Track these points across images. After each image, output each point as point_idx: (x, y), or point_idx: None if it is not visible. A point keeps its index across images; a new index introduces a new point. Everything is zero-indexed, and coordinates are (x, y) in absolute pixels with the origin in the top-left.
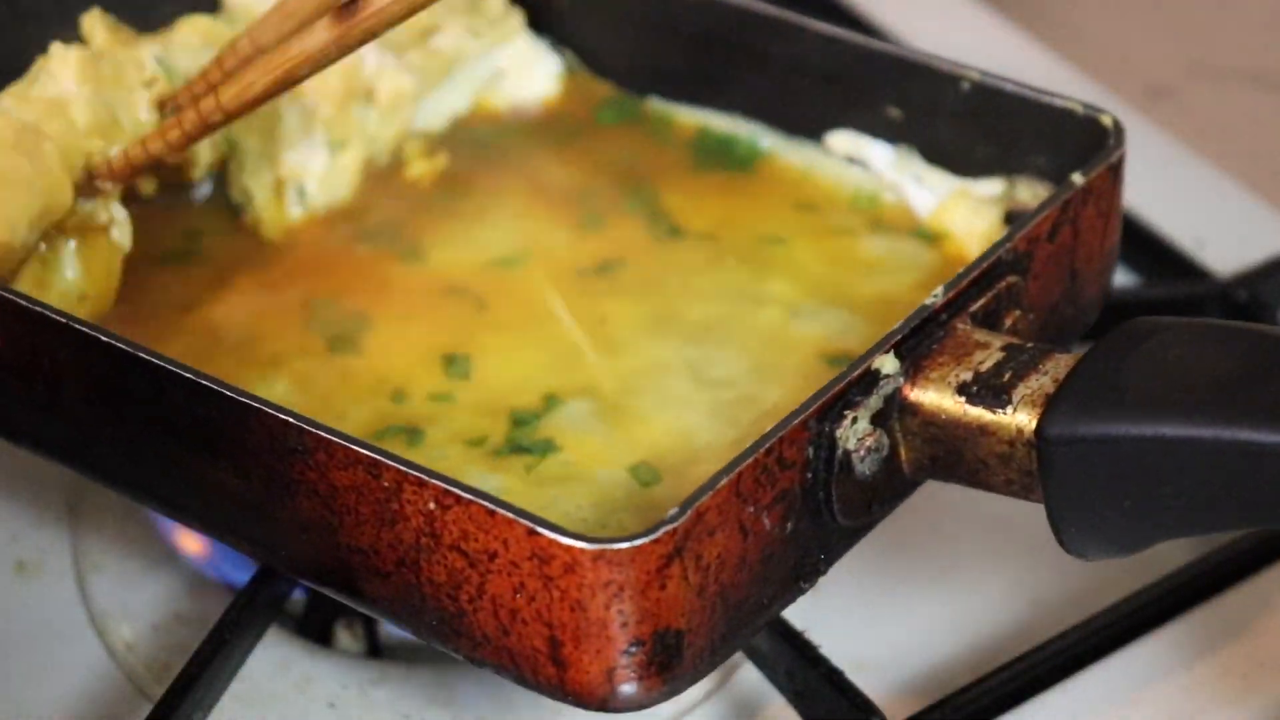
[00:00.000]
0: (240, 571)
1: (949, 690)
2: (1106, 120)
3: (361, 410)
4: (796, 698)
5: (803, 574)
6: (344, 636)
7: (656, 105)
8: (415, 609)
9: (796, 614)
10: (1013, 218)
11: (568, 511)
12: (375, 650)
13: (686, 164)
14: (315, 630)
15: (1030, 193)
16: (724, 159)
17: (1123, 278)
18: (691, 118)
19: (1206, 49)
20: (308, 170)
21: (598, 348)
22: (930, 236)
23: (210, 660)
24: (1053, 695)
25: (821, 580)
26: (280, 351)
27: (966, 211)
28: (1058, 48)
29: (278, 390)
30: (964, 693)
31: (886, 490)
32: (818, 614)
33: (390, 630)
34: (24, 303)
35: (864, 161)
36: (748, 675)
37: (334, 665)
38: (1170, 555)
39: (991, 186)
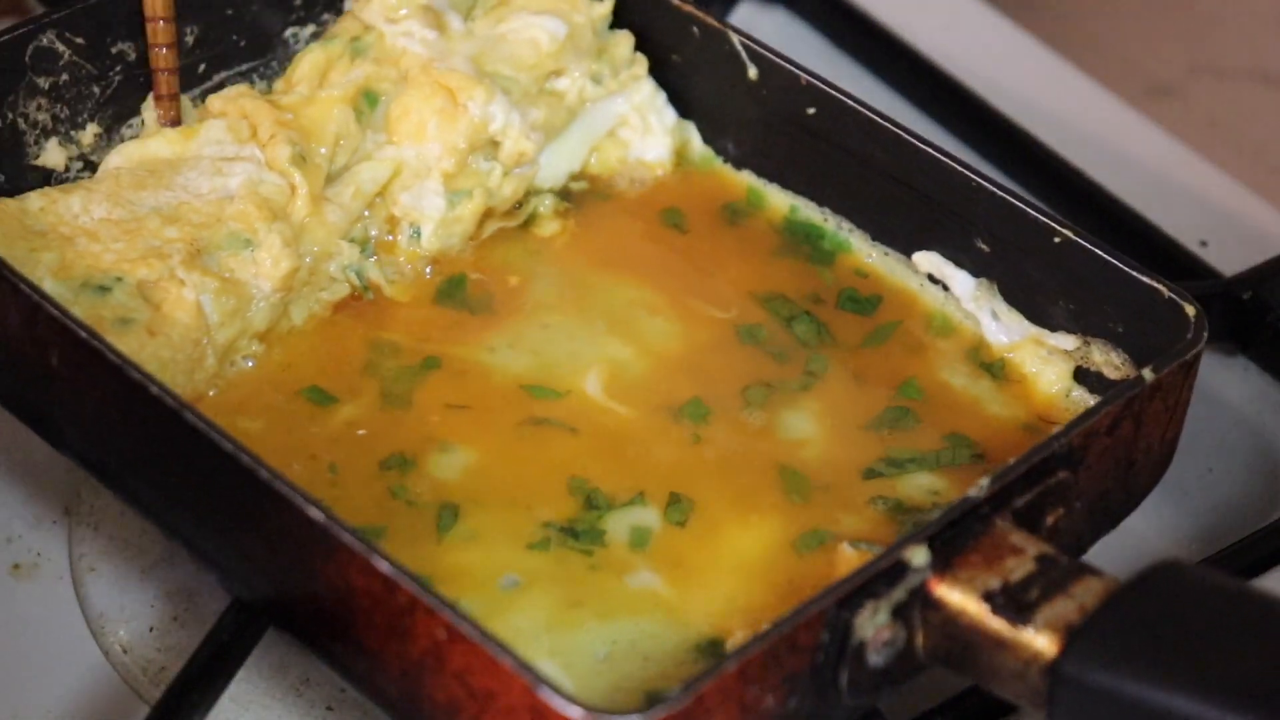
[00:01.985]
0: None
1: (949, 692)
2: (1189, 310)
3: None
4: None
5: None
6: None
7: (753, 180)
8: (416, 717)
9: None
10: (1083, 374)
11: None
12: None
13: (770, 245)
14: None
15: (1103, 357)
16: (808, 247)
17: None
18: (783, 199)
19: (1207, 48)
20: (424, 214)
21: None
22: (998, 372)
23: (207, 663)
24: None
25: None
26: (336, 392)
27: (1037, 359)
28: (1058, 48)
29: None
30: (965, 694)
31: (898, 673)
32: None
33: None
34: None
35: (944, 283)
36: None
37: None
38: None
39: (1066, 341)
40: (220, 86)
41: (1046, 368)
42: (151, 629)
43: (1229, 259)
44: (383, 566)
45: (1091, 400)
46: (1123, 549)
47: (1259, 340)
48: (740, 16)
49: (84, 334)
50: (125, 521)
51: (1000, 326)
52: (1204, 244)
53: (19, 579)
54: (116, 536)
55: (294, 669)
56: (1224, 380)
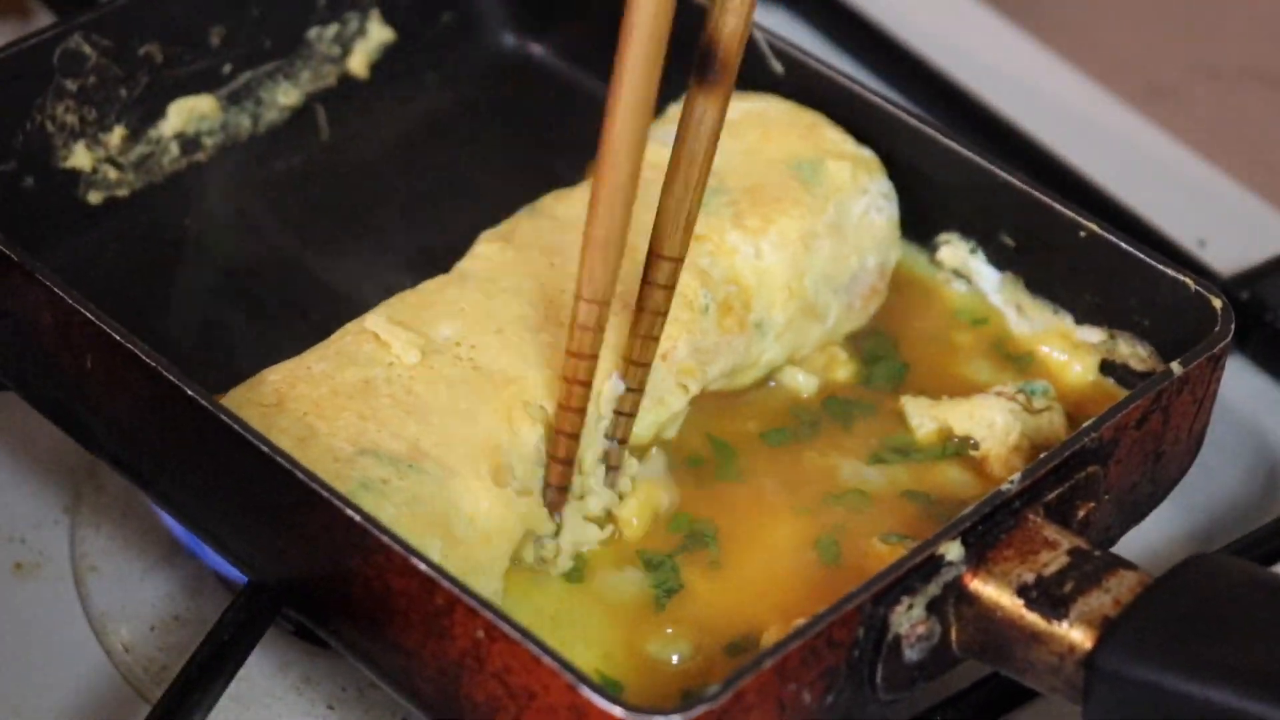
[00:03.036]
0: (239, 573)
1: (950, 691)
2: (1216, 303)
3: None
4: None
5: None
6: None
7: None
8: (452, 715)
9: None
10: (1109, 367)
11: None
12: None
13: None
14: (314, 632)
15: (1130, 350)
16: None
17: None
18: None
19: (1206, 49)
20: None
21: None
22: (1025, 365)
23: (209, 662)
24: (1054, 697)
25: None
26: None
27: (1063, 352)
28: (1058, 48)
29: None
30: (965, 694)
31: (932, 667)
32: None
33: None
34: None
35: (969, 278)
36: None
37: (333, 666)
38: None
39: (1092, 334)
40: (246, 87)
41: (1074, 361)
42: (153, 628)
43: (1228, 259)
44: (422, 567)
45: (1122, 393)
46: (1123, 548)
47: (1257, 340)
48: None
49: (118, 336)
50: (127, 521)
51: (1025, 320)
52: (1202, 244)
53: (21, 578)
54: (118, 536)
55: (295, 668)
56: (1223, 380)
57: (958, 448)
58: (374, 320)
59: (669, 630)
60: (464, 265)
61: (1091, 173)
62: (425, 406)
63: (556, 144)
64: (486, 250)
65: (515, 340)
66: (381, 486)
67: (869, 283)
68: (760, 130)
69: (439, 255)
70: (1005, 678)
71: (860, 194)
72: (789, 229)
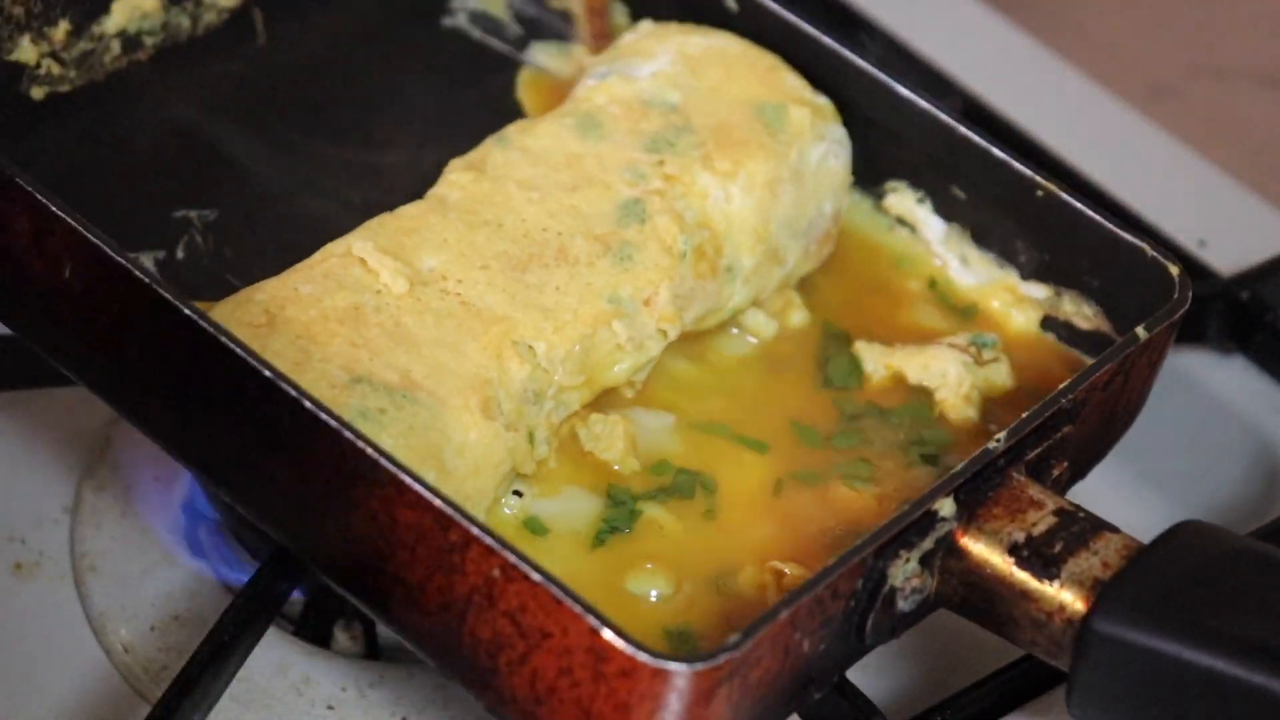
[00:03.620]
0: (239, 573)
1: (950, 691)
2: (1173, 270)
3: None
4: None
5: (818, 684)
6: (342, 638)
7: None
8: (446, 650)
9: None
10: (1049, 322)
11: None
12: (374, 652)
13: None
14: (314, 632)
15: (1074, 308)
16: None
17: None
18: None
19: (1207, 49)
20: None
21: None
22: (968, 311)
23: (209, 662)
24: (1054, 697)
25: None
26: None
27: (1005, 304)
28: (1058, 48)
29: None
30: (965, 694)
31: (913, 617)
32: None
33: (389, 632)
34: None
35: (914, 227)
36: None
37: (333, 667)
38: None
39: (1037, 290)
40: None
41: (1016, 313)
42: (153, 628)
43: (1228, 259)
44: (436, 502)
45: (1062, 348)
46: None
47: (1258, 340)
48: None
49: (106, 248)
50: (127, 521)
51: (969, 271)
52: (1203, 244)
53: (21, 578)
54: (118, 536)
55: (295, 668)
56: (1223, 380)
57: (916, 397)
58: (360, 246)
59: (648, 566)
60: (440, 192)
61: (1091, 173)
62: (414, 338)
63: (490, 56)
64: (460, 178)
65: (501, 279)
66: (379, 416)
67: (824, 228)
68: (722, 68)
69: (381, 170)
70: (1005, 678)
71: (819, 140)
72: (756, 173)
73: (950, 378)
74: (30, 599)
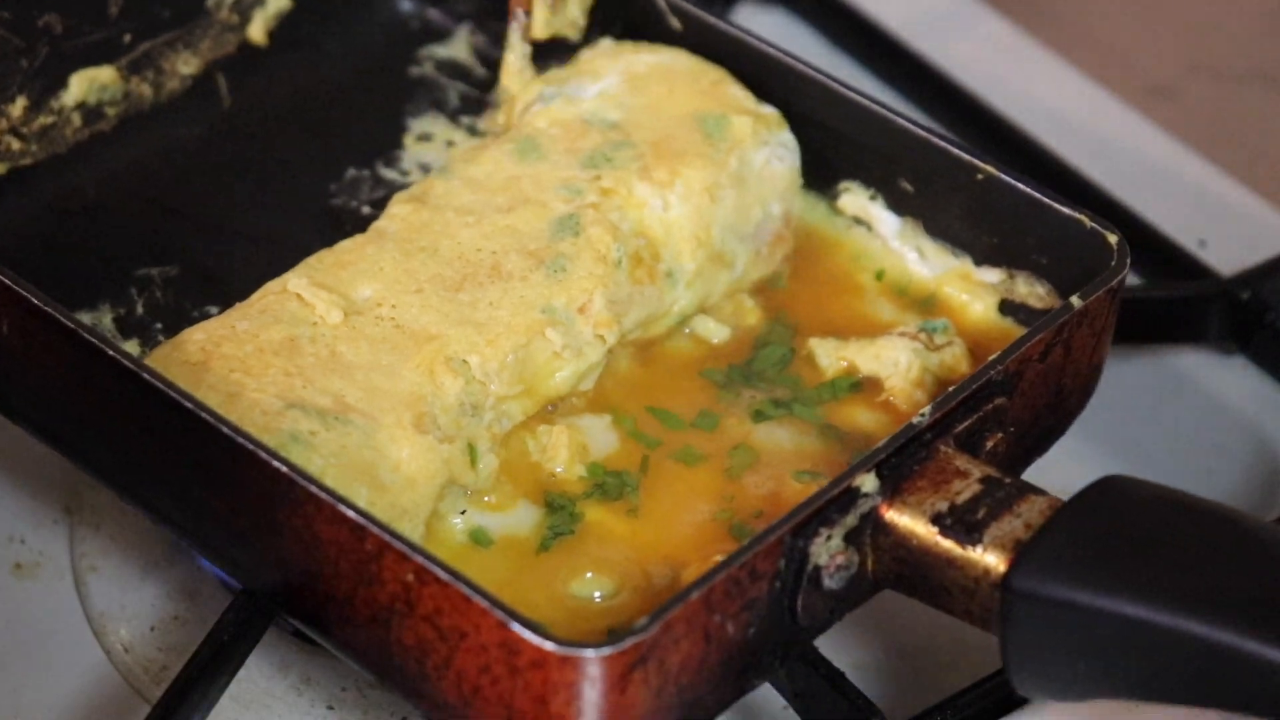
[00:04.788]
0: None
1: (949, 692)
2: (1111, 239)
3: None
4: (797, 699)
5: (759, 671)
6: None
7: None
8: (382, 663)
9: None
10: (1009, 307)
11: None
12: None
13: None
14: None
15: (1028, 289)
16: None
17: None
18: None
19: (1206, 49)
20: None
21: None
22: (928, 302)
23: (209, 662)
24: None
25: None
26: None
27: (963, 292)
28: (1058, 48)
29: None
30: (965, 694)
31: (850, 597)
32: None
33: None
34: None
35: (870, 225)
36: None
37: (333, 667)
38: None
39: (991, 275)
40: (146, 56)
41: (974, 301)
42: (153, 628)
43: (1228, 259)
44: (349, 514)
45: (1021, 330)
46: None
47: (1258, 340)
48: (740, 17)
49: (37, 301)
50: (126, 521)
51: (926, 264)
52: (1203, 244)
53: (20, 578)
54: (118, 536)
55: (295, 668)
56: (1223, 380)
57: (864, 387)
58: (296, 282)
59: (589, 574)
60: (380, 225)
61: (1091, 172)
62: (349, 364)
63: (454, 106)
64: (401, 210)
65: (435, 300)
66: (310, 438)
67: (774, 230)
68: (666, 85)
69: (344, 218)
70: (1005, 679)
71: (761, 145)
72: (694, 180)
73: (900, 365)
74: (30, 599)
